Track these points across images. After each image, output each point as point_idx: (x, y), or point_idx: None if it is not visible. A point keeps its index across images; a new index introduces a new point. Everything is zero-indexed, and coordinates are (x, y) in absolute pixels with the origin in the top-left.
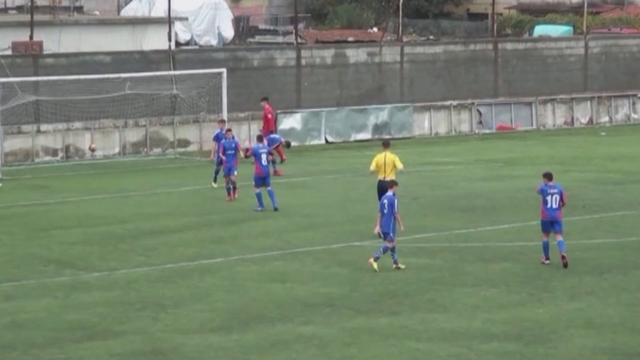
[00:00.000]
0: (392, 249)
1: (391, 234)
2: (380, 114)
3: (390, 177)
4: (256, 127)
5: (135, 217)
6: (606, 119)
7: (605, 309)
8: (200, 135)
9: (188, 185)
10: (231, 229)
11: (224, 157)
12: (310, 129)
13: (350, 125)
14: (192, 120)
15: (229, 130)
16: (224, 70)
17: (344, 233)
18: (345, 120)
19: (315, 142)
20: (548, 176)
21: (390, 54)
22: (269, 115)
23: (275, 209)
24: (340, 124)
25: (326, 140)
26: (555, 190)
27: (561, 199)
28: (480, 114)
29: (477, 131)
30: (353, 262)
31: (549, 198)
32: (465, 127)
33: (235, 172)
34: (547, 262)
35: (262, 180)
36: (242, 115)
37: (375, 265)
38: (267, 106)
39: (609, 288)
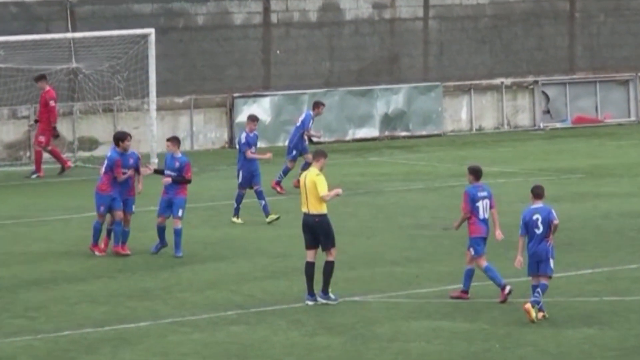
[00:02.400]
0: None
1: (551, 264)
2: (392, 99)
3: (316, 209)
4: (202, 119)
5: (11, 258)
6: None
7: None
8: (114, 132)
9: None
10: (163, 277)
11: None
12: (285, 121)
13: (346, 116)
14: (101, 109)
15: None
16: (151, 31)
17: (336, 283)
18: (339, 109)
19: None
20: (474, 172)
21: (408, 7)
22: (51, 103)
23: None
24: (331, 115)
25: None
26: (485, 194)
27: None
28: (547, 98)
29: (542, 125)
30: (350, 327)
31: (479, 204)
32: (524, 119)
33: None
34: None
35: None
36: (179, 100)
37: (533, 314)
38: (47, 88)
39: None
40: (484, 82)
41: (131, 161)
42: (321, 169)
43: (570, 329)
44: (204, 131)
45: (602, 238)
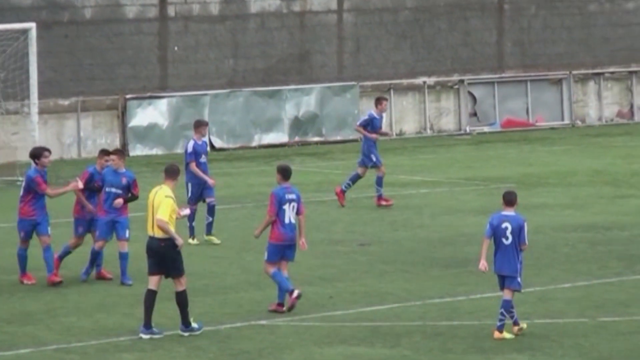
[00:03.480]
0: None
1: (518, 279)
2: (303, 101)
3: (161, 233)
4: (90, 123)
5: None
6: None
7: None
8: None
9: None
10: (46, 299)
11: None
12: (185, 126)
13: (252, 119)
14: None
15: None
16: (32, 25)
17: (240, 305)
18: (243, 112)
19: None
20: (283, 172)
21: None
22: None
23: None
24: (235, 118)
25: (212, 146)
26: (294, 196)
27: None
28: (474, 99)
29: (469, 129)
30: (257, 354)
31: (285, 207)
32: (449, 123)
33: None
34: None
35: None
36: (65, 103)
37: (508, 335)
38: None
39: None
40: (405, 81)
41: (124, 181)
42: (173, 189)
43: (498, 355)
44: (92, 137)
45: (533, 254)
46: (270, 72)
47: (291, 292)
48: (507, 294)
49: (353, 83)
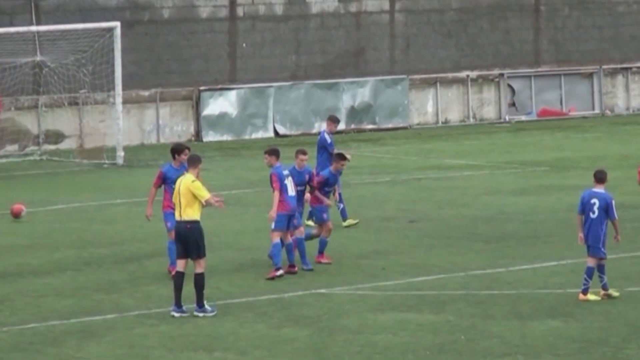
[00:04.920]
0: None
1: (602, 248)
2: (358, 92)
3: (189, 215)
4: (168, 112)
5: None
6: None
7: None
8: (80, 126)
9: (61, 201)
10: (129, 270)
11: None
12: (252, 115)
13: (312, 109)
14: (66, 103)
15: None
16: (116, 24)
17: (302, 275)
18: (304, 102)
19: (259, 134)
20: (274, 153)
21: (374, 0)
22: None
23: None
24: (297, 108)
25: (276, 133)
26: (287, 172)
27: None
28: (513, 91)
29: (508, 118)
30: (317, 320)
31: (286, 182)
32: (490, 112)
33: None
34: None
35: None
36: (145, 94)
37: (591, 297)
38: None
39: None
40: (450, 75)
41: (307, 177)
42: (197, 176)
43: (535, 321)
44: (170, 124)
45: (566, 231)
46: (328, 67)
47: (278, 268)
48: (590, 262)
49: (403, 76)
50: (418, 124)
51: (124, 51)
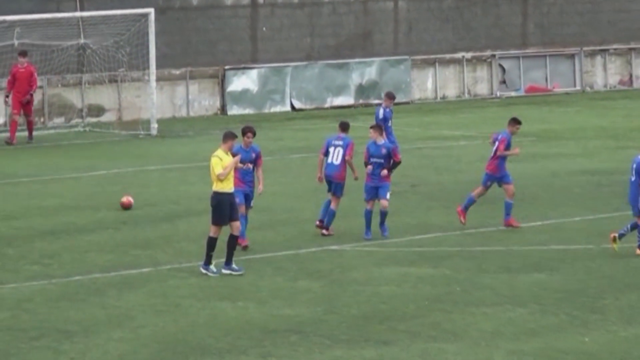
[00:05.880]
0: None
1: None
2: (366, 71)
3: (218, 187)
4: (196, 89)
5: (28, 211)
6: None
7: None
8: (118, 100)
9: (102, 167)
10: (162, 228)
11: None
12: (271, 91)
13: (325, 86)
14: (107, 80)
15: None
16: (151, 10)
17: (316, 234)
18: (318, 80)
19: (278, 108)
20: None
21: None
22: (35, 75)
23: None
24: (311, 85)
25: (292, 107)
26: (341, 143)
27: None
28: (503, 70)
29: (499, 94)
30: (329, 273)
31: (331, 150)
32: (483, 89)
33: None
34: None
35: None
36: (176, 72)
37: (615, 245)
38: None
39: None
40: (447, 56)
41: (253, 155)
42: (229, 150)
43: (522, 274)
44: (198, 99)
45: (550, 194)
46: (339, 48)
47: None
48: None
49: (406, 57)
50: (419, 99)
51: (157, 34)
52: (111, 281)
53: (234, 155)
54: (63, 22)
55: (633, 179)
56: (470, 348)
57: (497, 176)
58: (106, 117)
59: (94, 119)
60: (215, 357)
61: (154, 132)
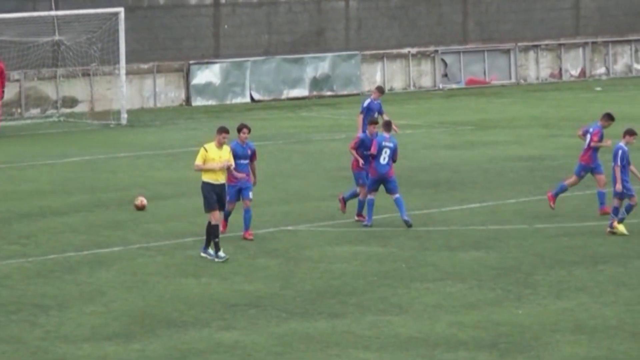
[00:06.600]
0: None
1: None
2: (319, 65)
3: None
4: (163, 82)
5: (6, 195)
6: (602, 70)
7: (600, 309)
8: (91, 92)
9: (75, 155)
10: (131, 210)
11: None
12: (232, 84)
13: (282, 79)
14: (80, 74)
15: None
16: (121, 9)
17: (274, 215)
18: (275, 73)
19: (238, 100)
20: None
21: None
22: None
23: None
24: (269, 78)
25: (252, 98)
26: (391, 145)
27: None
28: (445, 64)
29: (441, 86)
30: (285, 252)
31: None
32: (426, 81)
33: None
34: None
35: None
36: (145, 66)
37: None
38: None
39: (605, 282)
40: (395, 51)
41: (249, 152)
42: (219, 144)
43: (462, 252)
44: (165, 91)
45: (488, 178)
46: (295, 44)
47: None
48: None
49: (356, 52)
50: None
51: (127, 31)
52: (84, 259)
53: (234, 154)
54: (39, 20)
55: (613, 165)
56: (415, 320)
57: (591, 166)
58: (79, 108)
59: (67, 110)
60: (180, 329)
61: (123, 122)
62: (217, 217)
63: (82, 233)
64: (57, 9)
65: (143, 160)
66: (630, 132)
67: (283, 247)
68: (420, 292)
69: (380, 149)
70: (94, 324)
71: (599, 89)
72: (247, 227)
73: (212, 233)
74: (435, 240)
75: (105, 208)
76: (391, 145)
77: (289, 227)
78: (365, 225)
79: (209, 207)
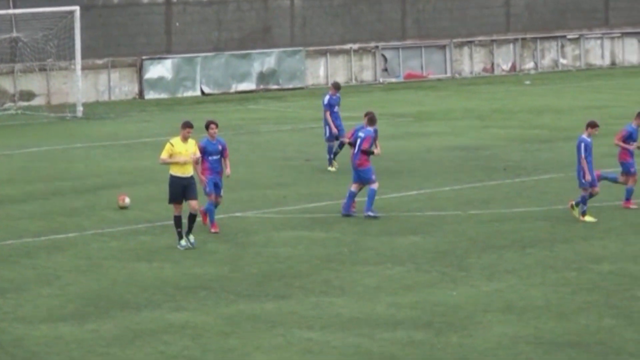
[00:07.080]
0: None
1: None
2: (266, 60)
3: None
4: (117, 76)
5: None
6: (531, 64)
7: (528, 290)
8: (47, 87)
9: (33, 146)
10: (86, 198)
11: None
12: (183, 78)
13: (230, 73)
14: (37, 69)
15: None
16: (76, 8)
17: (223, 202)
18: (224, 68)
19: (189, 93)
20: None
21: None
22: None
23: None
24: (218, 73)
25: (202, 92)
26: (362, 135)
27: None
28: (385, 59)
29: (381, 80)
30: (233, 237)
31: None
32: (367, 76)
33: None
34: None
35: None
36: (99, 62)
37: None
38: None
39: (532, 265)
40: (337, 47)
41: (220, 147)
42: (183, 139)
43: (401, 237)
44: (119, 85)
45: (425, 167)
46: (243, 41)
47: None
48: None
49: (301, 48)
50: (312, 85)
51: (82, 29)
52: (41, 245)
53: (205, 151)
54: None
55: (577, 156)
56: (356, 301)
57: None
58: (36, 102)
59: (25, 103)
60: (133, 310)
61: (79, 114)
62: (179, 209)
63: (39, 220)
64: (15, 7)
65: (98, 150)
66: (592, 125)
67: (232, 232)
68: (361, 274)
69: (354, 140)
70: (50, 306)
71: (528, 82)
72: (211, 220)
73: (176, 224)
74: (376, 225)
75: (61, 196)
76: (362, 135)
77: (238, 214)
78: (375, 217)
79: (171, 199)
